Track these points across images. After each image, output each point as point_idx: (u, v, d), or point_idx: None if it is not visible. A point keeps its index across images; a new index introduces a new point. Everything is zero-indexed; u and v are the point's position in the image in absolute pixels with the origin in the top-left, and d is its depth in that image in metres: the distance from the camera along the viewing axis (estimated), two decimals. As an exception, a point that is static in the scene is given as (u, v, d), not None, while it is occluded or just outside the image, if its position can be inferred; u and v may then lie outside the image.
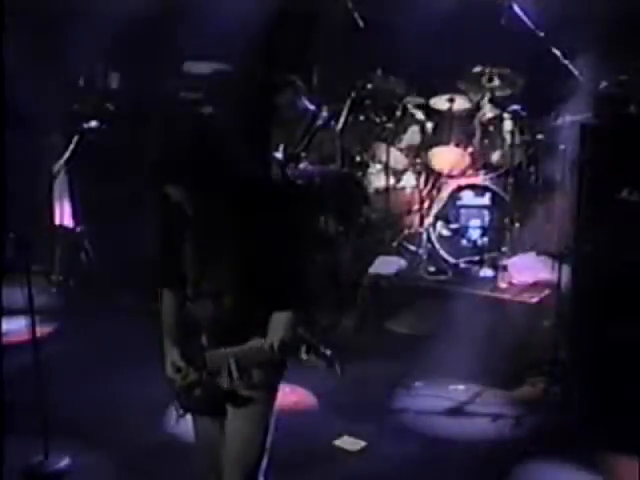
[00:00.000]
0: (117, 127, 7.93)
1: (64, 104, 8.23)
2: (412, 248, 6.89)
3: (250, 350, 3.24)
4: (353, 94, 7.42)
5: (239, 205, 3.23)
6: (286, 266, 3.26)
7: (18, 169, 8.35)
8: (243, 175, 3.33)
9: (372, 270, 6.66)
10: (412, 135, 7.36)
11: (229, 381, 3.26)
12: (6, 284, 5.23)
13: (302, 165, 7.06)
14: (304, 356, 3.23)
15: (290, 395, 5.30)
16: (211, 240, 3.29)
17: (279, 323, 3.25)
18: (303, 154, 7.00)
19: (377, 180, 7.33)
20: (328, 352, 3.19)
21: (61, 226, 8.03)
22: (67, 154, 5.61)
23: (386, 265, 6.71)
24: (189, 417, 3.54)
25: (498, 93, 7.06)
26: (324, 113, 6.86)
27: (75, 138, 6.13)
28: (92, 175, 7.80)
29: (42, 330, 5.13)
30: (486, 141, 7.05)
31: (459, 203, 6.85)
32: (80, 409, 5.38)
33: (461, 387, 5.79)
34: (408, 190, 7.26)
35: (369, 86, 7.45)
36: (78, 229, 7.91)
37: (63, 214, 8.04)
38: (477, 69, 7.08)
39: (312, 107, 7.17)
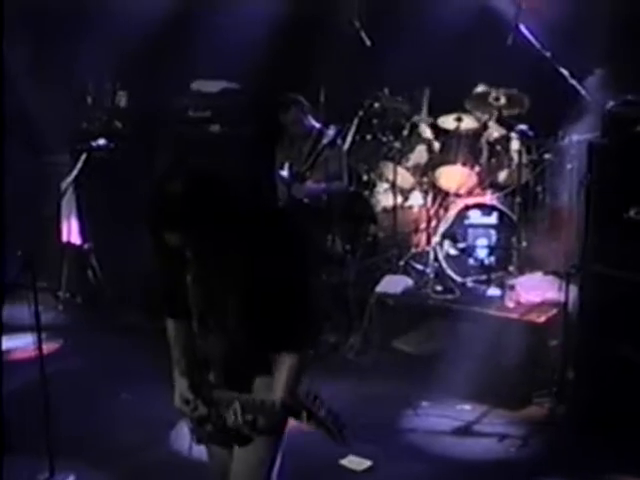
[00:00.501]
0: (125, 145, 7.97)
1: (72, 122, 8.27)
2: (419, 267, 6.88)
3: (255, 401, 3.19)
4: (360, 113, 7.45)
5: (240, 241, 3.12)
6: (291, 299, 3.16)
7: (26, 186, 8.41)
8: (244, 208, 3.16)
9: (379, 289, 6.64)
10: (419, 154, 7.37)
11: (234, 424, 3.22)
12: (13, 301, 5.24)
13: (308, 184, 7.07)
14: (305, 421, 3.17)
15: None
16: (213, 278, 3.20)
17: (283, 373, 3.18)
18: (309, 173, 7.00)
19: (384, 199, 7.34)
20: (330, 422, 3.10)
21: (68, 243, 8.05)
22: (75, 172, 5.63)
23: (393, 284, 6.69)
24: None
25: (505, 112, 7.06)
26: (330, 131, 6.87)
27: (83, 156, 6.15)
28: (100, 193, 7.83)
29: (48, 347, 5.13)
30: (493, 160, 7.05)
31: (466, 222, 6.84)
32: (85, 427, 5.37)
33: (467, 407, 5.77)
34: (415, 209, 7.26)
35: (376, 105, 7.48)
36: (85, 246, 7.93)
37: (70, 231, 8.07)
38: (484, 88, 7.09)
39: (318, 125, 7.18)
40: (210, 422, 3.34)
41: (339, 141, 7.07)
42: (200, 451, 3.56)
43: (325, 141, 6.90)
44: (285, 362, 3.19)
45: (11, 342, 6.82)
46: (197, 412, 3.35)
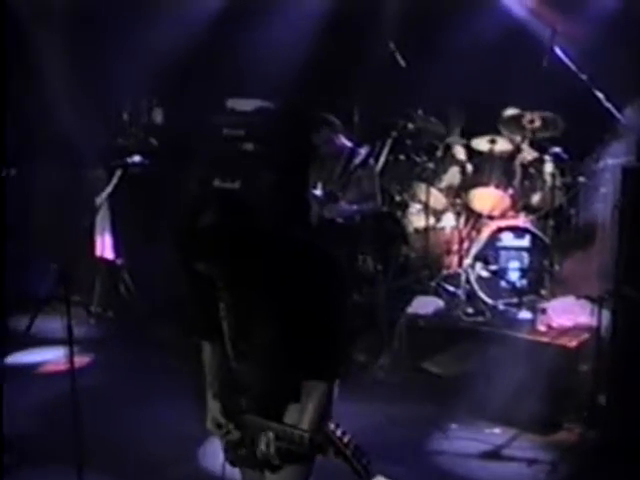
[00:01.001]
0: (159, 162, 8.03)
1: (108, 138, 8.35)
2: (450, 289, 6.86)
3: (286, 432, 3.14)
4: (394, 133, 7.46)
5: (271, 269, 3.08)
6: (322, 328, 3.12)
7: (62, 201, 8.50)
8: (275, 238, 3.14)
9: (410, 309, 6.63)
10: (452, 175, 7.37)
11: (265, 453, 3.18)
12: (46, 314, 5.28)
13: (341, 204, 7.07)
14: (333, 457, 3.09)
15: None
16: (244, 305, 3.18)
17: (311, 403, 3.15)
18: (341, 193, 7.01)
19: (416, 220, 7.33)
20: (357, 459, 3.07)
21: (101, 258, 8.11)
22: (110, 188, 5.67)
23: (424, 305, 6.68)
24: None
25: (539, 135, 7.04)
26: (362, 151, 6.88)
27: (118, 172, 6.20)
28: (133, 209, 7.89)
29: (80, 361, 5.16)
30: (527, 183, 7.03)
31: (499, 244, 6.81)
32: (115, 441, 5.39)
33: (497, 430, 5.72)
34: (447, 230, 7.24)
35: (410, 126, 7.48)
36: (118, 261, 7.99)
37: (104, 246, 8.13)
38: (518, 111, 7.08)
39: (349, 145, 7.18)
40: (243, 446, 3.32)
41: (371, 161, 7.08)
42: (233, 470, 3.56)
43: (357, 161, 6.91)
44: (313, 391, 3.16)
45: (43, 355, 6.89)
46: (229, 436, 3.34)
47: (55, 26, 8.40)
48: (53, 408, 5.83)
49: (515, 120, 7.09)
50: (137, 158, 6.94)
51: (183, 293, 3.37)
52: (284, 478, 3.30)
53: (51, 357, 6.77)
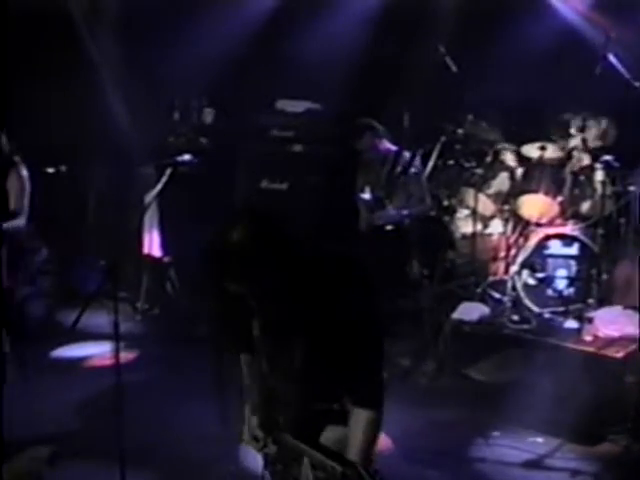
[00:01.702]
0: (209, 162, 8.08)
1: (159, 137, 8.43)
2: (496, 295, 6.82)
3: (319, 461, 3.06)
4: (443, 138, 7.44)
5: (306, 289, 2.99)
6: (361, 350, 3.03)
7: (111, 198, 8.60)
8: (309, 256, 3.04)
9: (455, 315, 6.60)
10: (501, 181, 7.33)
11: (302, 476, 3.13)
12: (93, 309, 5.34)
13: (389, 210, 7.04)
14: None
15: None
16: (279, 325, 3.10)
17: (358, 432, 3.06)
18: (388, 200, 7.00)
19: (464, 225, 7.31)
20: None
21: (149, 256, 8.18)
22: (159, 186, 5.72)
23: (469, 311, 6.64)
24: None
25: (590, 143, 6.97)
26: (406, 156, 6.87)
27: (168, 170, 6.24)
28: (182, 207, 7.95)
29: (125, 356, 5.21)
30: (576, 191, 6.97)
31: (546, 252, 6.76)
32: (157, 438, 5.43)
33: (540, 439, 5.66)
34: (495, 237, 7.21)
35: (460, 131, 7.45)
36: (165, 259, 8.06)
37: (152, 244, 8.21)
38: (570, 118, 7.01)
39: (394, 149, 7.15)
40: (280, 462, 3.29)
41: (418, 165, 7.05)
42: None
43: (403, 166, 6.89)
44: (362, 419, 3.06)
45: (89, 349, 6.98)
46: (266, 450, 3.31)
47: (108, 25, 8.51)
48: (97, 403, 5.89)
49: (566, 127, 7.02)
50: (187, 157, 6.96)
51: (216, 311, 3.35)
52: None
53: (96, 352, 6.84)
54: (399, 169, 6.93)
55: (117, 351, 4.70)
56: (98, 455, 4.99)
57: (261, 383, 3.30)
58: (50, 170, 8.57)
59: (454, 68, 7.54)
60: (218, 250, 2.92)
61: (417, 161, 7.02)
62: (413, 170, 6.97)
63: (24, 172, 5.60)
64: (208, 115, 8.77)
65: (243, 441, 3.41)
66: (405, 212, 7.02)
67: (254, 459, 3.66)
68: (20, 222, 5.62)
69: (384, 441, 5.49)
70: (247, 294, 2.99)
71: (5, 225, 5.56)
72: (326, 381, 3.11)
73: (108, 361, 5.56)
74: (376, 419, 3.09)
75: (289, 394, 3.21)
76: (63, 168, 8.61)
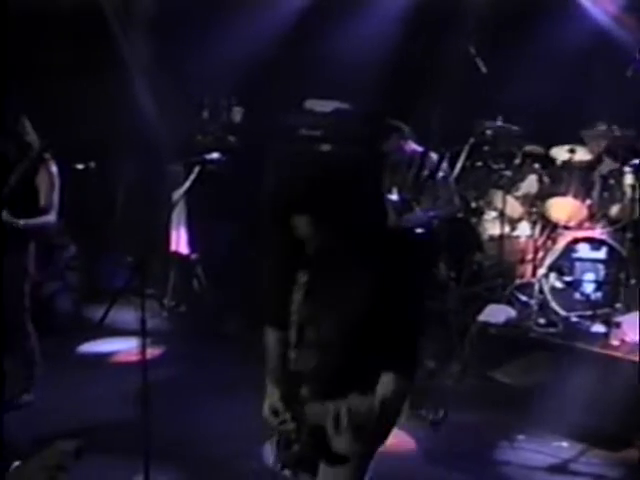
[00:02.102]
0: (236, 160, 8.11)
1: (187, 135, 8.47)
2: (523, 298, 6.79)
3: (359, 407, 3.13)
4: (472, 139, 7.41)
5: (358, 251, 3.10)
6: (398, 318, 3.09)
7: (140, 195, 8.65)
8: (365, 219, 3.18)
9: (481, 317, 6.58)
10: (530, 184, 7.29)
11: (335, 433, 3.15)
12: (120, 305, 5.38)
13: (417, 212, 7.01)
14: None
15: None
16: (326, 284, 3.17)
17: (381, 395, 3.12)
18: (415, 203, 6.97)
19: (492, 227, 7.27)
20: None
21: (176, 253, 8.22)
22: (188, 184, 5.75)
23: (495, 313, 6.62)
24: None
25: (620, 146, 6.92)
26: (433, 157, 6.84)
27: (196, 168, 6.29)
28: (209, 205, 7.98)
29: (151, 352, 5.23)
30: (605, 194, 6.93)
31: (574, 255, 6.72)
32: (181, 433, 5.45)
33: (564, 444, 5.63)
34: (522, 239, 7.17)
35: (488, 132, 7.42)
36: (192, 256, 8.09)
37: (179, 241, 8.25)
38: (600, 121, 6.97)
39: (420, 151, 7.10)
40: (297, 440, 3.28)
41: (446, 167, 7.03)
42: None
43: (428, 167, 6.86)
44: (386, 384, 3.12)
45: (116, 345, 7.02)
46: (284, 426, 3.31)
47: (140, 22, 8.56)
48: (122, 398, 5.92)
49: (596, 130, 6.98)
50: (215, 155, 7.02)
51: (256, 285, 3.45)
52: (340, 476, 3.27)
53: (123, 348, 6.88)
54: (426, 171, 6.91)
55: (144, 347, 4.73)
56: (123, 450, 5.02)
57: (287, 357, 3.31)
58: (79, 166, 8.63)
59: (484, 69, 7.51)
60: (291, 184, 3.12)
61: (444, 163, 6.99)
62: (440, 172, 6.94)
63: (53, 168, 5.64)
64: (237, 114, 8.80)
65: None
66: (432, 214, 6.99)
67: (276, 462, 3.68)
68: (50, 218, 5.65)
69: (407, 442, 5.50)
70: (308, 235, 3.08)
71: (35, 221, 5.60)
72: (360, 349, 3.13)
73: (134, 357, 5.61)
74: (405, 388, 3.14)
75: (317, 363, 3.21)
76: (92, 164, 8.67)
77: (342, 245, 3.10)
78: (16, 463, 3.15)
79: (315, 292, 3.20)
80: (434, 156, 6.88)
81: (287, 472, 3.42)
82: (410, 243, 3.26)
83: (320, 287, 3.18)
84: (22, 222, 5.53)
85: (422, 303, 3.24)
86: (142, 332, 4.72)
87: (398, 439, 5.40)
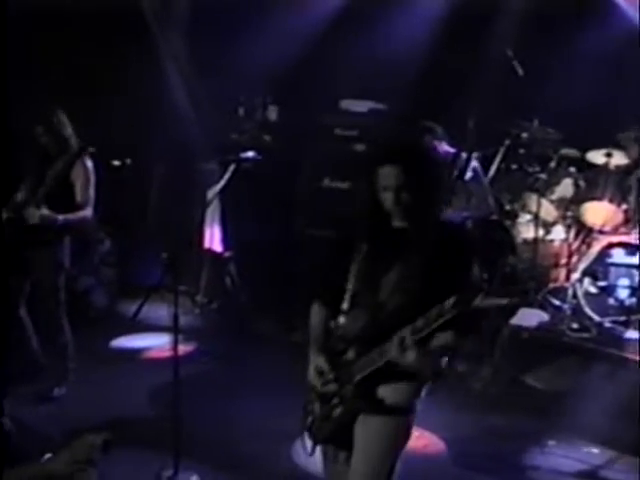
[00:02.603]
0: (271, 159, 8.13)
1: (223, 133, 8.50)
2: (556, 302, 6.75)
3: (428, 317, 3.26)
4: (507, 142, 7.37)
5: (423, 228, 3.40)
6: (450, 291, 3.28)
7: (175, 192, 8.69)
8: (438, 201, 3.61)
9: (513, 321, 6.54)
10: (565, 187, 7.24)
11: (400, 353, 3.26)
12: (153, 301, 5.41)
13: (449, 213, 6.99)
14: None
15: (419, 439, 5.26)
16: (385, 254, 3.40)
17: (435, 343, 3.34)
18: (448, 200, 6.94)
19: (525, 230, 7.23)
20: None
21: (210, 250, 8.26)
22: (223, 182, 5.78)
23: (528, 317, 6.59)
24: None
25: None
26: (464, 158, 6.81)
27: (232, 167, 6.32)
28: (243, 203, 8.00)
29: (183, 349, 5.27)
30: (642, 199, 6.86)
31: (609, 260, 6.67)
32: (211, 430, 5.48)
33: (595, 450, 5.59)
34: (557, 243, 7.13)
35: (524, 135, 7.38)
36: (225, 254, 8.12)
37: (213, 239, 8.28)
38: (638, 124, 6.90)
39: (453, 152, 7.09)
40: (338, 405, 3.42)
41: (478, 168, 7.00)
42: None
43: (459, 168, 6.84)
44: (443, 336, 3.30)
45: (148, 341, 7.07)
46: (327, 387, 3.44)
47: (177, 21, 8.61)
48: (154, 394, 5.97)
49: (633, 133, 6.92)
50: (250, 154, 7.05)
51: (292, 279, 3.59)
52: (376, 446, 3.39)
53: (155, 343, 6.93)
54: (459, 172, 6.88)
55: (176, 343, 4.76)
56: (153, 445, 5.06)
57: (333, 325, 3.52)
58: (116, 163, 8.69)
59: (521, 71, 7.47)
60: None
61: (475, 164, 6.96)
62: (469, 172, 6.91)
63: (89, 163, 5.69)
64: (272, 112, 8.81)
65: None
66: (465, 214, 6.97)
67: (306, 457, 3.69)
68: (87, 213, 5.72)
69: (437, 444, 5.49)
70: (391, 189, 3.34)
71: (73, 216, 5.67)
72: (413, 312, 3.27)
73: (166, 353, 5.64)
74: (459, 342, 3.35)
75: (367, 322, 3.41)
76: (128, 161, 8.72)
77: (417, 213, 3.37)
78: (47, 455, 3.18)
79: (375, 261, 3.42)
80: (464, 158, 6.85)
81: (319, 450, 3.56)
82: (464, 231, 3.55)
83: (380, 256, 3.41)
84: (61, 217, 5.59)
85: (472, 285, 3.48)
86: (175, 328, 4.76)
87: (428, 441, 5.44)
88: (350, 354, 3.43)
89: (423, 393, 3.47)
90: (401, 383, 3.39)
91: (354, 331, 3.43)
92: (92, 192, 5.72)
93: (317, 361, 3.48)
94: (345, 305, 3.46)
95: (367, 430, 3.41)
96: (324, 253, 3.76)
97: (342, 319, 3.47)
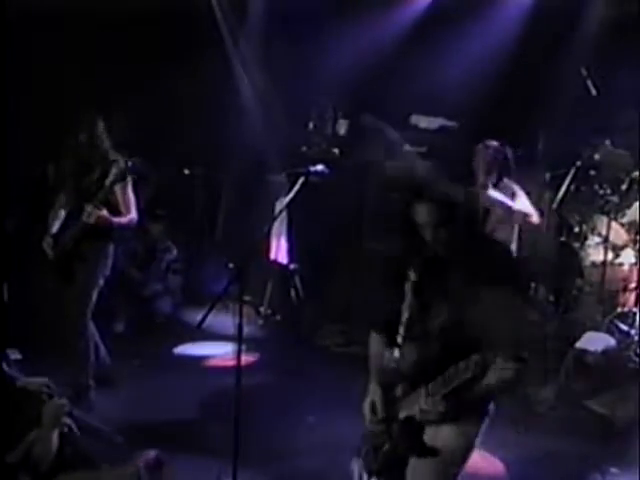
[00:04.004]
0: (340, 173, 8.15)
1: (293, 146, 8.55)
2: (624, 327, 6.64)
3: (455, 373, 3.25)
4: (578, 163, 7.28)
5: (469, 253, 3.36)
6: (500, 322, 3.22)
7: (244, 203, 8.77)
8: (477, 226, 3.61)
9: (579, 344, 6.45)
10: (636, 211, 7.12)
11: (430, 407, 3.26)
12: (217, 310, 5.45)
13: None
14: None
15: (478, 461, 5.20)
16: (437, 282, 3.38)
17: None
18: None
19: (594, 253, 7.13)
20: None
21: (275, 262, 8.31)
22: (291, 194, 5.81)
23: (594, 341, 6.48)
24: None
25: None
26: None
27: (300, 179, 6.35)
28: (310, 217, 8.04)
29: (245, 359, 5.31)
30: None
31: (679, 286, 6.55)
32: (271, 441, 5.50)
33: (659, 479, 5.48)
34: (626, 267, 7.01)
35: (596, 156, 7.28)
36: (291, 267, 8.16)
37: (279, 251, 8.33)
38: None
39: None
40: (387, 441, 3.41)
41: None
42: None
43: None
44: (499, 368, 3.26)
45: (211, 349, 7.13)
46: (378, 427, 3.45)
47: (249, 35, 8.71)
48: (215, 401, 6.02)
49: None
50: (319, 167, 7.09)
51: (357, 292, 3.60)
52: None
53: (218, 352, 6.98)
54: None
55: (239, 353, 4.79)
56: (212, 452, 5.09)
57: (388, 359, 3.49)
58: (186, 171, 8.81)
59: (594, 91, 7.38)
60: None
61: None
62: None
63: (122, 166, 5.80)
64: (342, 126, 8.84)
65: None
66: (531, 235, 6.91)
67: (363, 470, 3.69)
68: (132, 216, 5.85)
69: (497, 466, 5.43)
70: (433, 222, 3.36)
71: (118, 220, 5.79)
72: (461, 344, 3.28)
73: (229, 362, 5.69)
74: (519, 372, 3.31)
75: (420, 362, 3.40)
76: (199, 171, 8.83)
77: (457, 245, 3.35)
78: (105, 465, 3.22)
79: (424, 293, 3.40)
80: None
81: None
82: (511, 254, 3.54)
83: (429, 288, 3.40)
84: (115, 220, 5.72)
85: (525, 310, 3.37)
86: (239, 338, 4.79)
87: (488, 462, 5.38)
88: (399, 390, 3.44)
89: (477, 441, 3.44)
90: (446, 427, 3.36)
91: (405, 366, 3.44)
92: (131, 195, 5.86)
93: (374, 396, 3.51)
94: (399, 339, 3.44)
95: (414, 475, 3.40)
96: (382, 277, 3.73)
97: (396, 352, 3.45)
